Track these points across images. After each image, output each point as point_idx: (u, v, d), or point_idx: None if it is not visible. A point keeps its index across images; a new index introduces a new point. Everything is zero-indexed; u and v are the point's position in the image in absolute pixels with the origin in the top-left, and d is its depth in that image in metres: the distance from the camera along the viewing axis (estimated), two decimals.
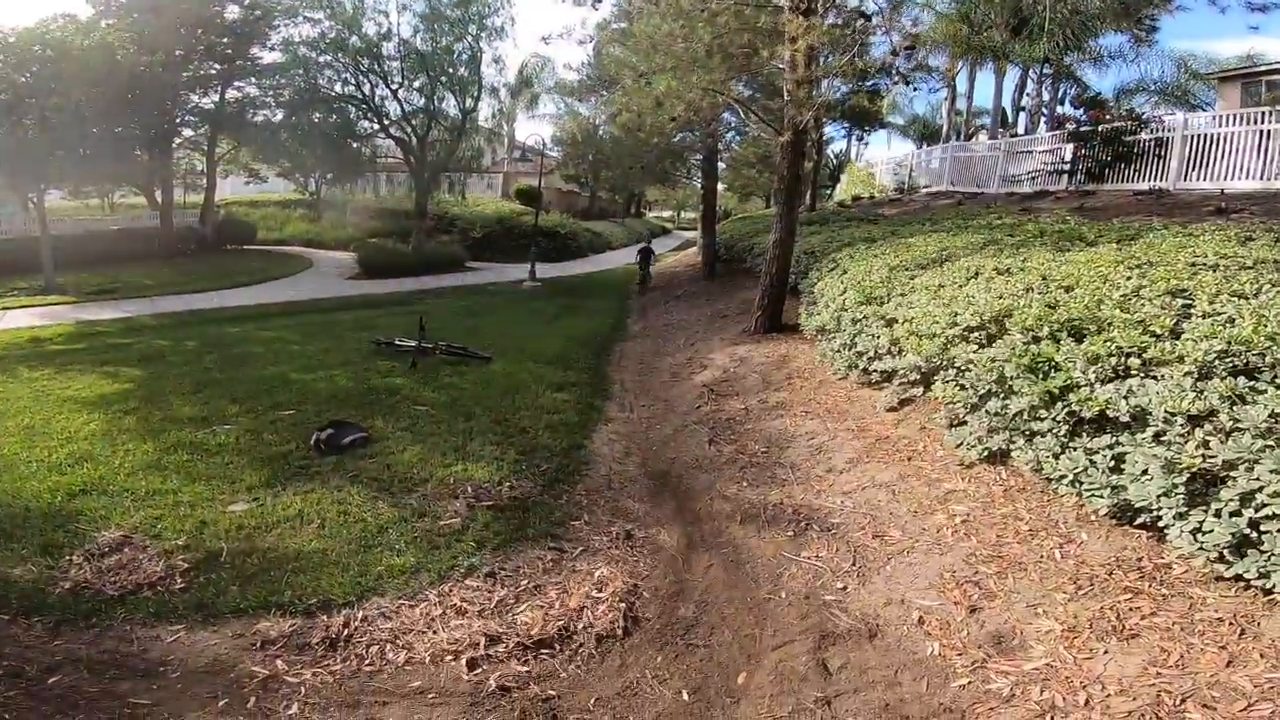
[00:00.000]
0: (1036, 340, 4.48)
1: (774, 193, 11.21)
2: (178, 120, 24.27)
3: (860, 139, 31.96)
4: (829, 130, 25.06)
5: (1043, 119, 22.70)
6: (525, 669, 3.49)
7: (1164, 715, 2.37)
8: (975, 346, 4.89)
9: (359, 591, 4.27)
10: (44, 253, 17.65)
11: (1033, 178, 15.61)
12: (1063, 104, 23.69)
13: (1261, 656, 2.52)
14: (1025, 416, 4.21)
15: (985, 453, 4.71)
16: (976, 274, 6.18)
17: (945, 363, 5.16)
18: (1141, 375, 3.76)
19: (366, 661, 3.65)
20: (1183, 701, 2.40)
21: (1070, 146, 14.68)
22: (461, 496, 5.51)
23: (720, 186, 26.99)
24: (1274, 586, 2.71)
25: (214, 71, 24.15)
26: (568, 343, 11.93)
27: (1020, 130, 22.66)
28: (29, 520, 5.15)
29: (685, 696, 3.23)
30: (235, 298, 17.58)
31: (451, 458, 6.36)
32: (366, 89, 23.57)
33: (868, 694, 2.88)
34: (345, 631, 3.88)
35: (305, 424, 7.25)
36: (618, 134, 19.00)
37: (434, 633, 3.82)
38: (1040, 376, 4.16)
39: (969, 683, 2.78)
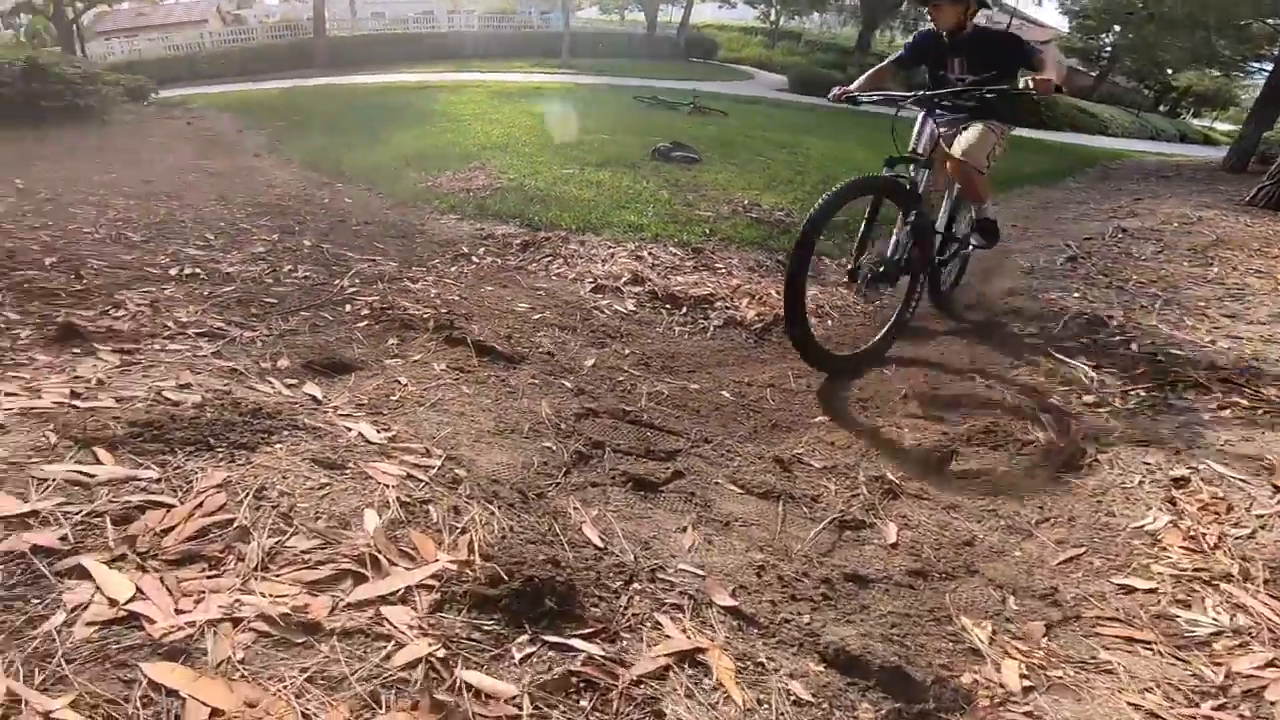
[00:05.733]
0: None
1: None
2: None
3: None
4: None
5: None
6: (620, 309, 3.13)
7: None
8: None
9: (581, 226, 4.41)
10: (564, 41, 24.62)
11: None
12: None
13: None
14: None
15: None
16: None
17: None
18: None
19: (532, 263, 3.74)
20: None
21: None
22: (730, 204, 5.14)
23: None
24: None
25: None
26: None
27: None
28: (438, 160, 6.59)
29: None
30: (673, 84, 19.73)
31: (757, 187, 5.96)
32: None
33: None
34: (539, 243, 4.03)
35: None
36: None
37: (597, 264, 3.68)
38: None
39: None
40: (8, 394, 1.39)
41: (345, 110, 10.12)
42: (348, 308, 2.67)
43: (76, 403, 1.38)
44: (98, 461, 1.18)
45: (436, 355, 2.19)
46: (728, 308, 3.25)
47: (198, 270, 2.89)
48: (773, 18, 31.94)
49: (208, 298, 2.42)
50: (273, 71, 19.58)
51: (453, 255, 3.90)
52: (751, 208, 5.14)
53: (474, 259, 3.85)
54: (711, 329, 3.08)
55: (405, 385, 1.91)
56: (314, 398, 1.70)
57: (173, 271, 2.82)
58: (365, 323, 2.44)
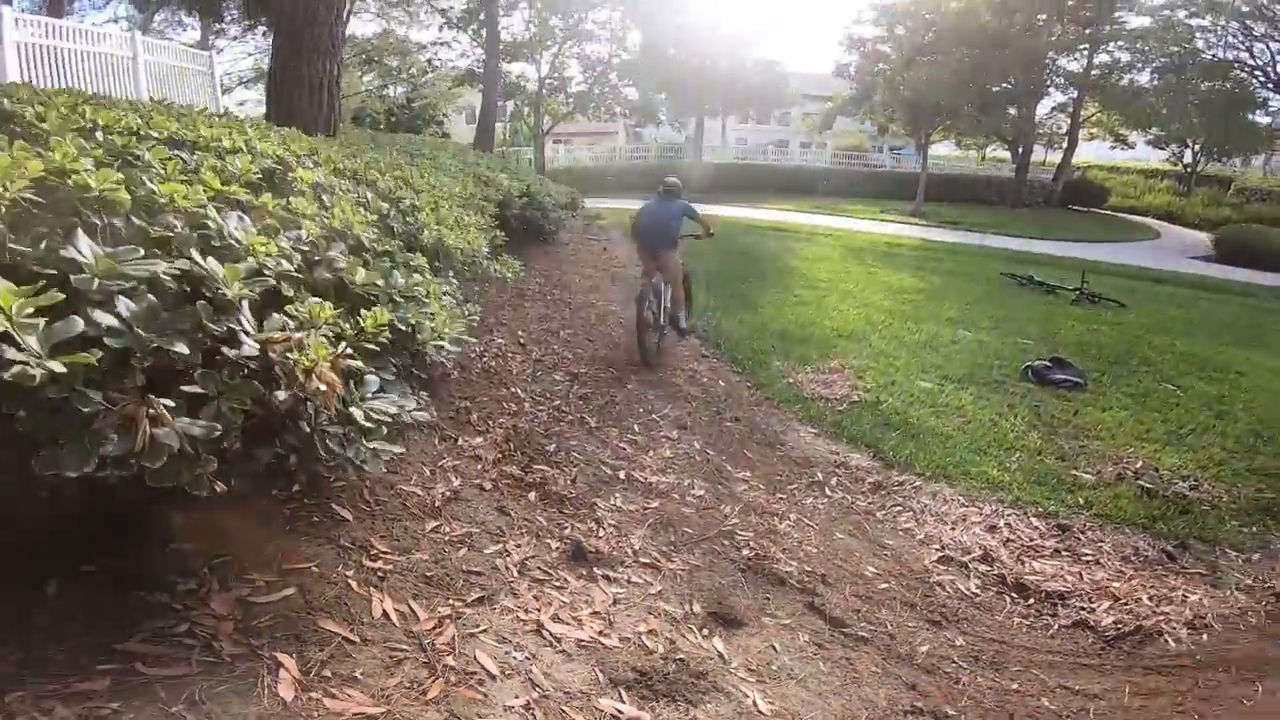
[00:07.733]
0: None
1: None
2: (1046, 83, 25.62)
3: None
4: None
5: None
6: (963, 589, 3.38)
7: None
8: None
9: (936, 472, 4.68)
10: (920, 186, 24.06)
11: None
12: None
13: None
14: None
15: None
16: None
17: None
18: None
19: (880, 509, 4.21)
20: None
21: None
22: (1117, 464, 4.85)
23: None
24: None
25: (1076, 35, 24.05)
26: None
27: None
28: (798, 343, 7.45)
29: None
30: (1049, 248, 17.62)
31: (1156, 437, 5.43)
32: (1261, 53, 18.60)
33: None
34: (890, 488, 4.49)
35: (1033, 354, 7.37)
36: None
37: (947, 526, 3.99)
38: None
39: None
40: (565, 621, 2.41)
41: (713, 253, 10.60)
42: (728, 542, 3.48)
43: (603, 639, 2.33)
44: (623, 700, 2.04)
45: (800, 622, 2.83)
46: (1081, 607, 3.27)
47: (631, 472, 4.05)
48: (1188, 159, 27.40)
49: (642, 518, 3.46)
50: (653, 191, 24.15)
51: (808, 482, 4.52)
52: (1144, 471, 4.72)
53: (827, 491, 4.42)
54: (1056, 627, 3.16)
55: (779, 654, 2.57)
56: (721, 655, 2.46)
57: (620, 474, 4.00)
58: (746, 570, 3.20)
